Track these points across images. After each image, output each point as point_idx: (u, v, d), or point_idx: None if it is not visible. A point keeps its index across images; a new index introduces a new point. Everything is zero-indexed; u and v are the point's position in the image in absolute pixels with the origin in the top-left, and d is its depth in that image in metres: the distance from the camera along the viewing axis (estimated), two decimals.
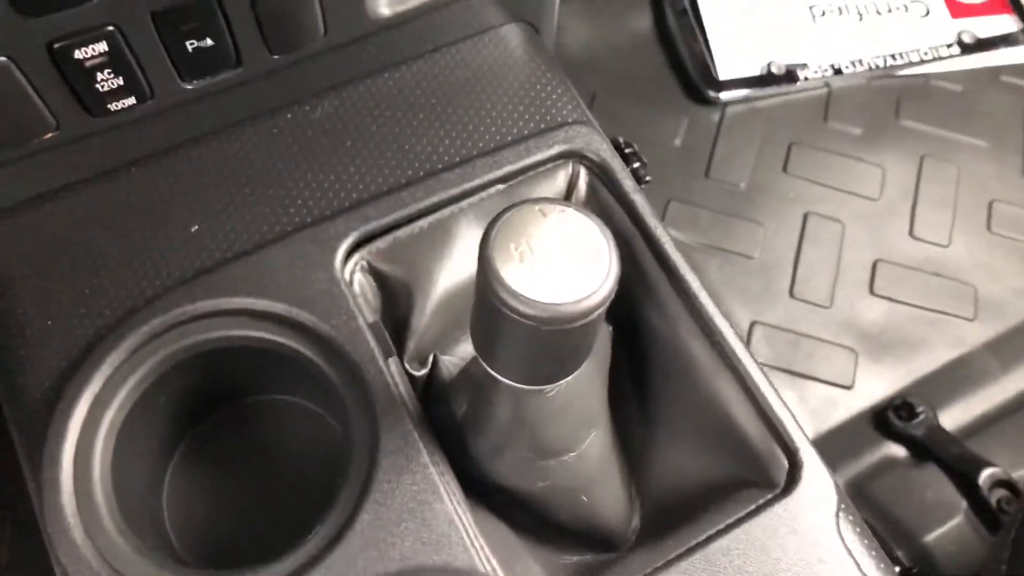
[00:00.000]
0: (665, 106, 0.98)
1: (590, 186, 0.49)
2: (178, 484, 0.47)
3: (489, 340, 0.34)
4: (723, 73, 0.97)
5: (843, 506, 0.42)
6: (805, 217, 0.94)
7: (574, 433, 0.42)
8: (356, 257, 0.46)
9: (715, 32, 0.99)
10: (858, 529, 0.43)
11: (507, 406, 0.39)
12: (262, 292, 0.43)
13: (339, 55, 0.47)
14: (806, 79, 0.97)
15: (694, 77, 0.98)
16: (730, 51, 0.98)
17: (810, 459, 0.43)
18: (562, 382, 0.37)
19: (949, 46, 0.99)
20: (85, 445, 0.40)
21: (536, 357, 0.34)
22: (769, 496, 0.42)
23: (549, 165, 0.49)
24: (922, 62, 0.99)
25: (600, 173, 0.49)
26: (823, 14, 1.01)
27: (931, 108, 0.98)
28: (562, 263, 0.31)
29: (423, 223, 0.47)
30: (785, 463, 0.43)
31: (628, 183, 0.48)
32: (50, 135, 0.41)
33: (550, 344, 0.33)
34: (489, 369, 0.36)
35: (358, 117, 0.49)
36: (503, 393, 0.39)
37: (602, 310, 0.31)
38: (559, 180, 0.49)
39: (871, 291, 0.91)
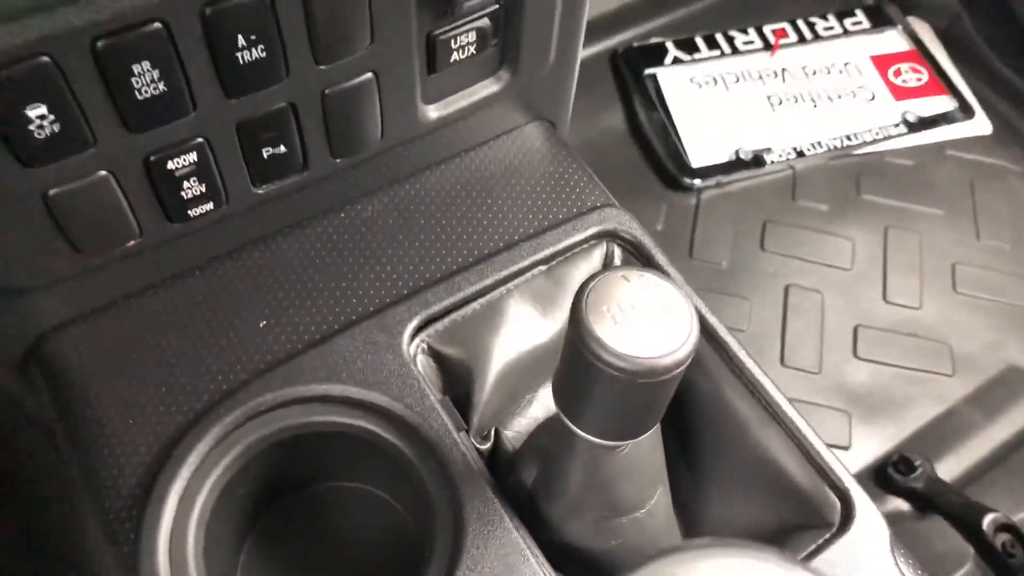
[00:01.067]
0: (644, 195, 1.04)
1: (625, 263, 0.53)
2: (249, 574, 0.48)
3: (577, 398, 0.37)
4: (695, 161, 1.04)
5: (896, 541, 0.45)
6: (786, 290, 0.99)
7: (644, 490, 0.45)
8: (418, 340, 0.49)
9: (684, 124, 1.06)
10: (911, 561, 0.45)
11: (583, 466, 0.42)
12: (336, 379, 0.46)
13: (390, 157, 0.51)
14: (772, 162, 1.04)
15: (669, 167, 1.04)
16: (700, 141, 1.05)
17: (860, 498, 0.46)
18: (639, 439, 0.39)
19: (896, 125, 1.08)
20: (178, 537, 0.41)
21: (623, 411, 0.37)
22: (827, 535, 0.45)
23: (586, 245, 0.53)
24: (875, 141, 1.07)
25: (634, 251, 0.53)
26: (781, 103, 1.10)
27: (888, 183, 1.06)
28: (649, 321, 0.34)
29: (476, 305, 0.50)
30: (837, 503, 0.46)
31: (661, 258, 0.52)
32: (133, 242, 0.44)
33: (638, 398, 0.36)
34: (573, 427, 0.38)
35: (407, 212, 0.53)
36: (580, 453, 0.41)
37: (687, 363, 0.35)
38: (595, 258, 0.53)
39: (855, 355, 0.96)
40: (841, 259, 1.01)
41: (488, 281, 0.50)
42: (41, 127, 0.36)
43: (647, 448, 0.44)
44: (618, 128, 1.10)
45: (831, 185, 1.06)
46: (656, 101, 1.08)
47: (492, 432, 0.48)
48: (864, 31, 1.18)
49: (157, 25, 0.36)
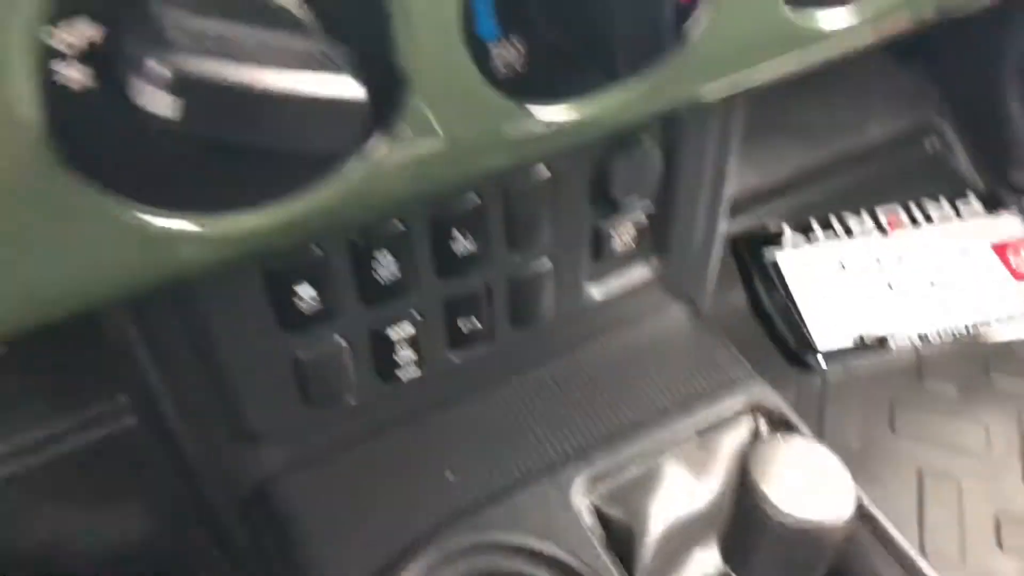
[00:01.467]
0: (771, 374, 1.06)
1: (771, 436, 0.57)
2: None
3: (745, 553, 0.41)
4: (820, 343, 1.07)
5: None
6: (920, 474, 0.98)
7: None
8: (584, 498, 0.53)
9: (806, 306, 1.10)
10: None
11: None
12: (516, 529, 0.51)
13: (557, 331, 0.58)
14: (897, 346, 1.06)
15: (794, 348, 1.08)
16: (823, 323, 1.08)
17: None
18: None
19: (1022, 310, 1.09)
20: None
21: (790, 566, 0.41)
22: None
23: (736, 417, 0.58)
24: (1000, 324, 1.08)
25: (780, 424, 0.57)
26: (900, 286, 1.13)
27: (1019, 366, 1.06)
28: (811, 482, 0.39)
29: (635, 469, 0.55)
30: None
31: (806, 432, 0.57)
32: (351, 399, 0.52)
33: (804, 554, 0.40)
34: None
35: (570, 379, 0.60)
36: None
37: (851, 522, 0.39)
38: (744, 429, 0.58)
39: (1000, 547, 0.93)
40: (976, 444, 1.00)
41: (646, 446, 0.55)
42: (303, 301, 0.45)
43: None
44: (741, 308, 1.15)
45: (959, 369, 1.06)
46: (777, 283, 1.13)
47: None
48: (978, 214, 1.21)
49: (399, 225, 0.45)
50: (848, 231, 1.20)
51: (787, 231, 1.19)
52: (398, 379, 0.52)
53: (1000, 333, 1.06)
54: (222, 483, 0.55)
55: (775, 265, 1.15)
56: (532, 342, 0.58)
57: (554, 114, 0.33)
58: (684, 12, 0.32)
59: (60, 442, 0.77)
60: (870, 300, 1.10)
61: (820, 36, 0.37)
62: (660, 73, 0.33)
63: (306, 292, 0.44)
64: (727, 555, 0.42)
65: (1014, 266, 1.14)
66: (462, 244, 0.48)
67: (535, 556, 0.50)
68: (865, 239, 1.18)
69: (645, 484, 0.55)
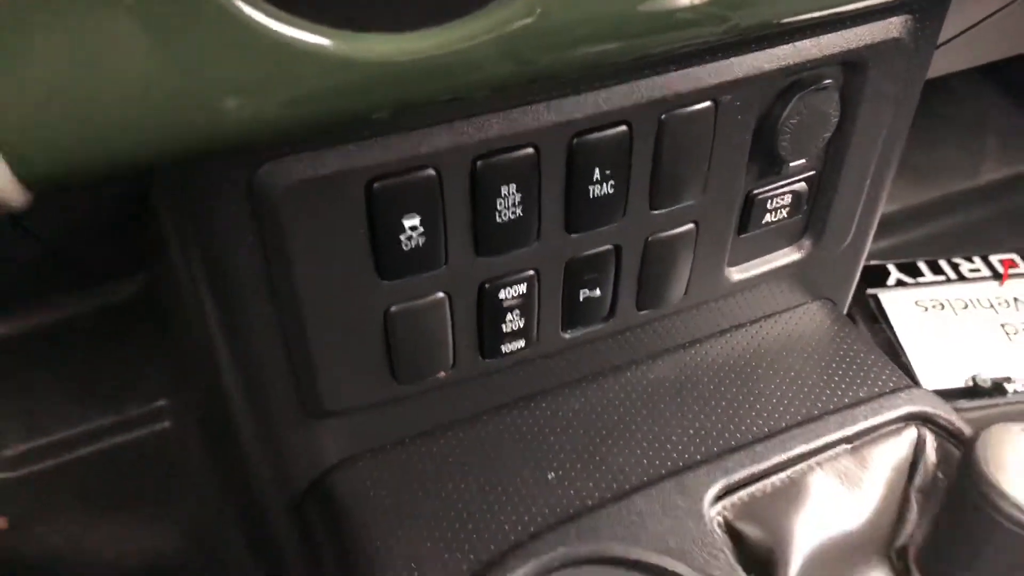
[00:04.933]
0: None
1: (942, 450, 0.48)
2: None
3: (958, 562, 0.32)
4: (926, 381, 0.97)
5: None
6: None
7: None
8: (716, 510, 0.44)
9: (910, 344, 1.01)
10: None
11: None
12: (634, 540, 0.42)
13: (685, 318, 0.50)
14: (1015, 391, 0.96)
15: None
16: (929, 362, 0.99)
17: None
18: None
19: None
20: None
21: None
22: None
23: (894, 427, 0.48)
24: None
25: (953, 439, 0.48)
26: (1017, 332, 1.03)
27: None
28: None
29: (777, 479, 0.46)
30: None
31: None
32: (443, 374, 0.44)
33: None
34: None
35: (697, 376, 0.51)
36: None
37: None
38: (904, 442, 0.48)
39: None
40: None
41: (791, 453, 0.46)
42: (410, 238, 0.37)
43: None
44: None
45: None
46: (880, 318, 1.04)
47: None
48: None
49: (530, 150, 0.37)
50: (959, 275, 1.11)
51: (892, 269, 1.10)
52: (500, 353, 0.44)
53: None
54: (281, 470, 0.47)
55: (876, 302, 1.06)
56: (655, 328, 0.50)
57: None
58: None
59: (92, 442, 0.71)
60: (984, 344, 1.00)
61: None
62: None
63: (410, 224, 0.36)
64: (932, 568, 0.33)
65: None
66: (600, 185, 0.39)
67: (659, 573, 0.41)
68: (977, 284, 1.09)
69: (787, 499, 0.45)
